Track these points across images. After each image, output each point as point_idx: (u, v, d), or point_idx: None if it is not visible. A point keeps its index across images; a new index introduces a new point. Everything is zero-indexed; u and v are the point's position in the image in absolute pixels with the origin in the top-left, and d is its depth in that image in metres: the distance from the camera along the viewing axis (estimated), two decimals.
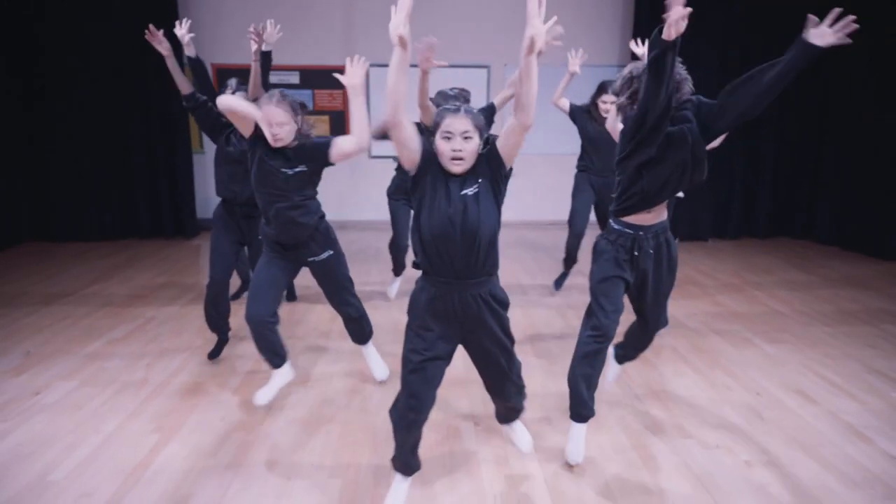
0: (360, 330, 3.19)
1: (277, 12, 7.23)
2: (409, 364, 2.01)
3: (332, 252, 2.92)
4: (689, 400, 3.12)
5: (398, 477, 2.20)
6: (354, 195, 7.64)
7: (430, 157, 1.99)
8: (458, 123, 1.93)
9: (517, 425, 2.50)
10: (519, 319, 4.13)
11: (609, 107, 3.94)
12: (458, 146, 1.93)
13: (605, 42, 7.58)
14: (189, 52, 3.60)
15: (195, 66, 3.63)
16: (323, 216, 2.92)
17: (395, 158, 4.12)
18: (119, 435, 2.76)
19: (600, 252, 2.52)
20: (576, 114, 4.65)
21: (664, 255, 2.49)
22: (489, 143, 2.02)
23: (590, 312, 2.50)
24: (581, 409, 2.48)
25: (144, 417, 2.92)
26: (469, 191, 1.95)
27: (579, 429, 2.51)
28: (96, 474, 2.45)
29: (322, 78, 7.53)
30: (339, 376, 3.40)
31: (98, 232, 6.77)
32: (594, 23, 7.53)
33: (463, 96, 3.77)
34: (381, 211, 4.83)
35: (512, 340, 2.15)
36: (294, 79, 7.54)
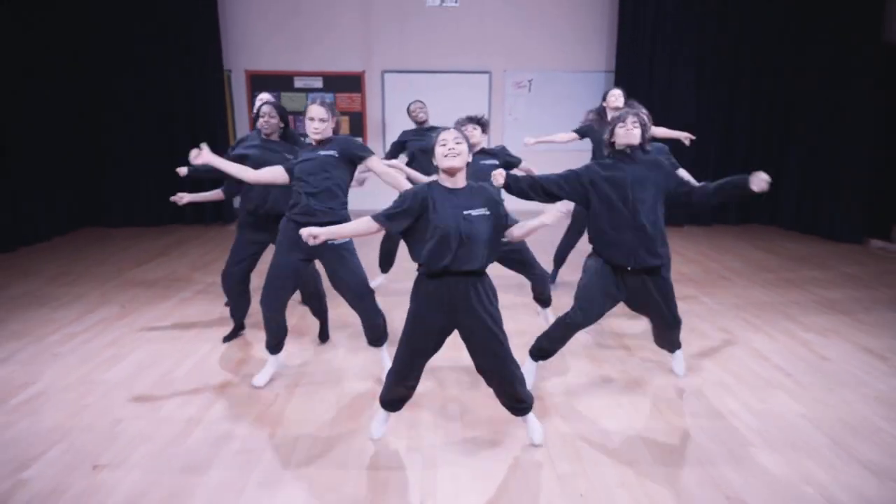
0: (375, 328, 3.27)
1: (303, 24, 8.23)
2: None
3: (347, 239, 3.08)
4: (644, 335, 4.04)
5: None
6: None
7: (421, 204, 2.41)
8: (448, 134, 2.40)
9: (529, 417, 2.71)
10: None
11: (618, 100, 4.61)
12: (452, 146, 2.37)
13: (593, 50, 8.46)
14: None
15: (200, 172, 3.58)
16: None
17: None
18: (210, 356, 3.71)
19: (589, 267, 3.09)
20: (585, 131, 4.91)
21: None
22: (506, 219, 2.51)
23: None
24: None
25: (222, 348, 3.86)
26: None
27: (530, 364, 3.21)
28: (202, 376, 3.41)
29: (342, 82, 8.47)
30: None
31: (147, 219, 7.75)
32: (582, 33, 8.41)
33: (473, 118, 3.77)
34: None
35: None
36: (318, 83, 8.46)
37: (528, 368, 3.18)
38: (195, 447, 2.70)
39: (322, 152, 3.08)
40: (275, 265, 3.16)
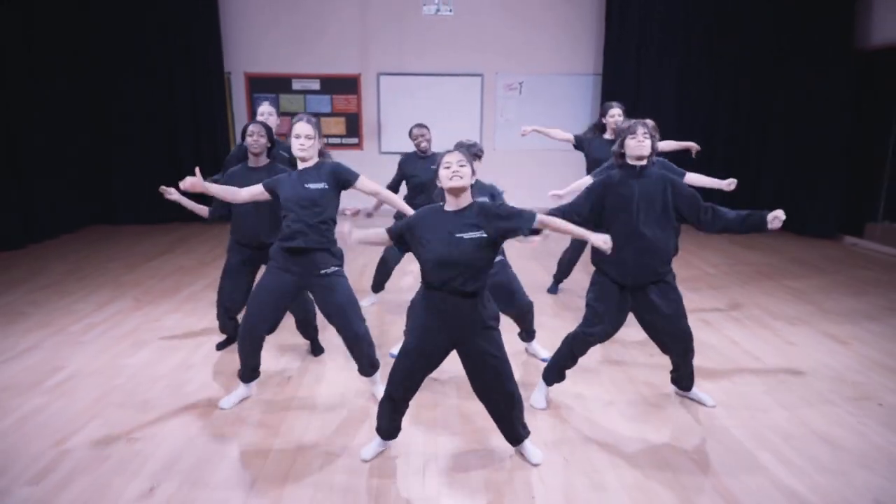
0: (367, 357, 3.14)
1: (301, 28, 8.50)
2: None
3: (339, 267, 3.08)
4: None
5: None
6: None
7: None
8: (451, 157, 2.41)
9: (526, 444, 2.70)
10: None
11: (617, 119, 4.49)
12: (455, 168, 2.38)
13: (581, 54, 8.78)
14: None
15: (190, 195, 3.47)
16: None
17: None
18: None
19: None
20: (582, 141, 4.85)
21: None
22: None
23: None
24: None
25: None
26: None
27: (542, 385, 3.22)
28: (218, 362, 3.70)
29: (339, 84, 8.75)
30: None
31: (152, 217, 8.00)
32: (570, 37, 8.73)
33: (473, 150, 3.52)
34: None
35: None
36: (315, 85, 8.74)
37: (540, 393, 3.21)
38: (219, 422, 3.00)
39: (313, 185, 2.98)
40: (262, 290, 3.05)
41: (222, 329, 3.88)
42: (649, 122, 3.14)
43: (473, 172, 2.43)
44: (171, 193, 3.64)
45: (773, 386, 3.46)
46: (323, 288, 3.04)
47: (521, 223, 2.39)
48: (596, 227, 2.83)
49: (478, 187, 3.52)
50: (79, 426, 2.94)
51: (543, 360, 3.62)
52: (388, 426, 2.67)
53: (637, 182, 2.88)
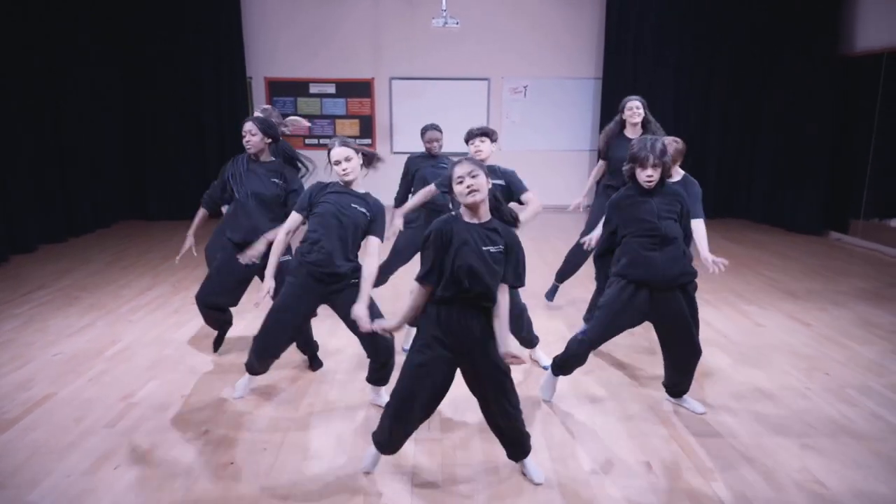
0: (384, 367, 3.12)
1: (318, 35, 9.05)
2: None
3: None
4: None
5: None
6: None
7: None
8: (461, 169, 2.29)
9: (528, 461, 2.64)
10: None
11: (637, 115, 4.24)
12: (469, 182, 2.27)
13: (582, 58, 9.28)
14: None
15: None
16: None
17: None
18: (255, 322, 4.53)
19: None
20: (607, 150, 4.51)
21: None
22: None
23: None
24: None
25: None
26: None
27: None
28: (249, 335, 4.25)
29: (353, 88, 9.30)
30: None
31: (182, 212, 8.57)
32: (572, 43, 9.24)
33: (488, 132, 3.56)
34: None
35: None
36: (331, 89, 9.29)
37: (548, 381, 3.34)
38: (253, 383, 3.54)
39: (360, 208, 2.91)
40: (284, 308, 3.02)
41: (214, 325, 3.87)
42: (665, 140, 3.03)
43: (488, 178, 2.33)
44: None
45: (736, 359, 3.95)
46: (349, 300, 2.82)
47: (510, 278, 2.37)
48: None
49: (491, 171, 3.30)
50: (140, 385, 3.50)
51: (545, 368, 3.66)
52: (389, 442, 2.56)
53: (653, 198, 2.95)
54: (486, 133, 3.49)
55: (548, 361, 3.58)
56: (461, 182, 2.28)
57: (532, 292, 5.24)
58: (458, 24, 7.42)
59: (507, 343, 2.36)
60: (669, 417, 3.19)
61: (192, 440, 2.93)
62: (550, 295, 4.94)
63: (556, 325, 4.51)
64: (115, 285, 5.44)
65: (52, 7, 7.00)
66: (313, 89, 9.30)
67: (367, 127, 9.45)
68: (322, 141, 9.40)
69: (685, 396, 3.30)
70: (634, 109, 4.27)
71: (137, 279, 5.63)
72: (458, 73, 9.31)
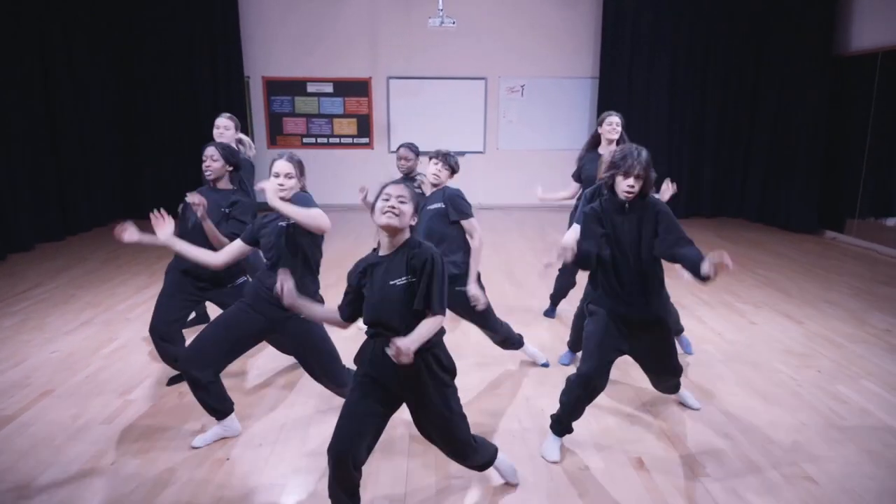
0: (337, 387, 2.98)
1: (315, 35, 9.07)
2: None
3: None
4: None
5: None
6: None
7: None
8: (393, 189, 2.12)
9: (496, 465, 2.54)
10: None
11: (614, 132, 4.06)
12: (393, 203, 2.07)
13: (579, 58, 9.31)
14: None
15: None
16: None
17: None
18: None
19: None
20: (580, 170, 4.33)
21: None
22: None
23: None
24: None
25: None
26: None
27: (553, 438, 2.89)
28: None
29: (351, 87, 9.32)
30: None
31: (176, 211, 8.60)
32: (569, 43, 9.27)
33: (450, 161, 3.46)
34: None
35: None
36: (328, 88, 9.31)
37: (552, 444, 2.87)
38: (253, 378, 3.56)
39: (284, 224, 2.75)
40: (231, 325, 2.89)
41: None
42: (644, 153, 2.69)
43: (415, 213, 2.15)
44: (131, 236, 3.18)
45: (729, 356, 3.98)
46: (299, 330, 2.80)
47: (421, 304, 2.07)
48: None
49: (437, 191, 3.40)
50: (137, 382, 3.53)
51: (544, 366, 3.74)
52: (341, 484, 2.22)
53: (626, 216, 2.72)
54: (446, 160, 3.37)
55: (545, 358, 3.79)
56: (386, 200, 2.10)
57: (532, 292, 5.30)
58: (454, 23, 7.46)
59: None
60: (661, 414, 3.22)
61: (189, 436, 2.95)
62: (550, 312, 4.75)
63: (557, 329, 4.54)
64: (111, 283, 5.46)
65: (49, 7, 7.01)
66: (311, 88, 9.31)
67: (364, 126, 9.47)
68: (319, 140, 9.44)
69: (681, 391, 3.26)
70: (613, 125, 4.09)
71: (134, 277, 5.65)
72: (455, 73, 9.34)
